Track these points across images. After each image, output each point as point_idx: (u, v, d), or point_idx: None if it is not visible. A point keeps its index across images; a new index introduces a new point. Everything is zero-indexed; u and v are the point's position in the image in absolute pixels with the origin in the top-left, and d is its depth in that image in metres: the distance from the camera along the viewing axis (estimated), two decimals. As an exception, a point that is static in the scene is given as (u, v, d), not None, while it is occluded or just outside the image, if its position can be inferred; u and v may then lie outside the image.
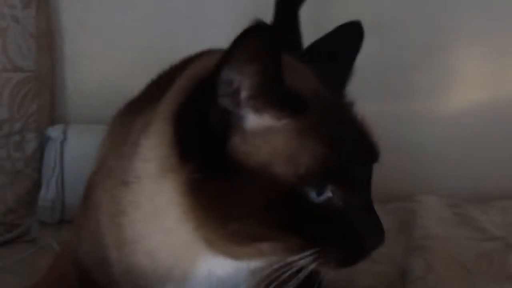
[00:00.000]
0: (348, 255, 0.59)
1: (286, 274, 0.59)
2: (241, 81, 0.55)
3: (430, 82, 1.45)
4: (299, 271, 0.60)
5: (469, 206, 1.16)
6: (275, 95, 0.56)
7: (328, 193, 0.56)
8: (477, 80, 1.47)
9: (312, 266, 0.58)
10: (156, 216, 0.62)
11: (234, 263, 0.63)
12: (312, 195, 0.56)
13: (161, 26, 1.35)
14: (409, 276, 0.84)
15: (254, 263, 0.63)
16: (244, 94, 0.56)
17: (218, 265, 0.64)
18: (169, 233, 0.61)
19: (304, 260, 0.57)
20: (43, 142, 1.19)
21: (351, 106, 0.64)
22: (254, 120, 0.57)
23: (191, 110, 0.58)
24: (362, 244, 0.58)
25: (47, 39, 1.26)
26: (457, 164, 1.45)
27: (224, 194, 0.56)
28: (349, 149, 0.58)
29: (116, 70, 1.35)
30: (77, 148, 1.14)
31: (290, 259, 0.57)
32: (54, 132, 1.18)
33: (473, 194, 1.38)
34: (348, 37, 0.67)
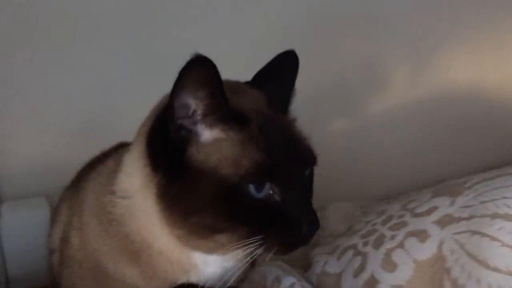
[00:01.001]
0: (288, 241, 0.71)
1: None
2: (197, 104, 0.68)
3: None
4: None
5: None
6: (222, 113, 0.69)
7: (268, 190, 0.69)
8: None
9: (258, 251, 0.69)
10: (151, 223, 0.73)
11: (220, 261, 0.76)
12: (253, 191, 0.68)
13: (87, 102, 1.37)
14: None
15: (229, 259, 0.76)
16: (199, 114, 0.69)
17: (207, 263, 0.76)
18: (163, 236, 0.73)
19: (251, 246, 0.69)
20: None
21: (290, 120, 0.77)
22: (207, 134, 0.70)
23: (158, 129, 0.71)
24: (299, 231, 0.69)
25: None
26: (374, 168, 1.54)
27: (184, 194, 0.69)
28: (282, 153, 0.70)
29: (43, 148, 1.36)
30: (13, 223, 1.18)
31: (240, 246, 0.68)
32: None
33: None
34: (286, 63, 0.79)
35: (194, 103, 0.68)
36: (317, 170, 0.78)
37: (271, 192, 0.69)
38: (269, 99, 0.75)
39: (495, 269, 0.69)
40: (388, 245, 0.83)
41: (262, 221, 0.69)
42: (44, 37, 1.29)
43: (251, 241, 0.68)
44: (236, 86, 0.76)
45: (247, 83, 0.80)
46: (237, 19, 1.42)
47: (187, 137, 0.69)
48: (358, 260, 0.86)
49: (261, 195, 0.68)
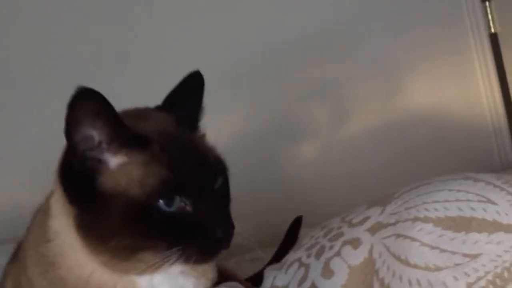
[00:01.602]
0: (205, 248, 0.73)
1: None
2: (99, 134, 0.71)
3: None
4: None
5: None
6: (123, 139, 0.72)
7: (179, 203, 0.72)
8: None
9: (178, 262, 0.72)
10: (80, 258, 0.75)
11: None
12: (164, 206, 0.71)
13: (55, 143, 1.43)
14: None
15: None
16: (104, 143, 0.72)
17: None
18: (96, 270, 0.75)
19: (171, 258, 0.71)
20: None
21: (198, 136, 0.81)
22: (113, 161, 0.73)
23: (66, 165, 0.74)
24: (213, 236, 0.72)
25: None
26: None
27: (98, 220, 0.71)
28: (187, 167, 0.73)
29: (10, 192, 1.41)
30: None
31: (162, 260, 0.70)
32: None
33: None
34: (192, 84, 0.83)
35: (96, 134, 0.71)
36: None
37: (183, 204, 0.72)
38: (177, 120, 0.79)
39: (415, 266, 0.76)
40: (327, 254, 0.90)
41: (177, 233, 0.72)
42: (8, 77, 1.37)
43: (169, 254, 0.71)
44: (141, 111, 0.81)
45: (156, 107, 0.84)
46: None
47: (95, 166, 0.72)
48: (301, 271, 0.93)
49: (173, 209, 0.71)
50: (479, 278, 0.71)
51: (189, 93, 0.84)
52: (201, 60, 1.54)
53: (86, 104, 0.69)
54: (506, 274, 0.70)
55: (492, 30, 1.90)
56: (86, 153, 0.72)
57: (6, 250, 1.22)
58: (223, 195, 0.79)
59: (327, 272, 0.87)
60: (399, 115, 1.74)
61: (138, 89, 1.35)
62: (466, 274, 0.72)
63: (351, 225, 0.92)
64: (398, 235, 0.82)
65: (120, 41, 1.52)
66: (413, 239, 0.79)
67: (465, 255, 0.74)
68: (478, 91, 1.82)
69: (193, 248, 0.72)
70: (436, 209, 0.82)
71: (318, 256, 0.92)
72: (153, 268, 0.73)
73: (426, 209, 0.83)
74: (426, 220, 0.81)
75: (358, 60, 1.71)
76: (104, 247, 0.71)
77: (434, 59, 1.80)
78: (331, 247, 0.91)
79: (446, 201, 0.82)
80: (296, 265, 0.95)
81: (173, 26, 1.57)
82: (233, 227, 0.75)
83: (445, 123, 1.76)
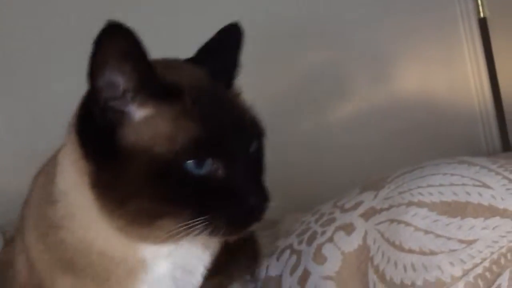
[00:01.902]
0: (236, 219, 0.64)
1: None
2: (126, 80, 0.62)
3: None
4: None
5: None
6: (152, 88, 0.63)
7: (211, 166, 0.63)
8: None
9: (204, 234, 0.63)
10: (89, 220, 0.67)
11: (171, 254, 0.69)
12: (193, 168, 0.62)
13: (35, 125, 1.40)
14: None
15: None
16: (129, 93, 0.62)
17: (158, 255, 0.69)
18: (105, 232, 0.67)
19: (196, 229, 0.62)
20: None
21: (233, 94, 0.72)
22: (138, 113, 0.63)
23: (85, 116, 0.65)
24: (246, 205, 0.63)
25: None
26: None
27: (117, 179, 0.63)
28: (221, 126, 0.64)
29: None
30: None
31: (185, 229, 0.62)
32: None
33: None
34: (229, 37, 0.74)
35: (122, 80, 0.62)
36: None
37: (215, 167, 0.63)
38: (210, 74, 0.71)
39: (410, 251, 0.75)
40: (319, 240, 0.88)
41: (205, 200, 0.63)
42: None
43: (194, 223, 0.62)
44: (172, 62, 0.72)
45: (187, 60, 0.75)
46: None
47: (117, 118, 0.64)
48: (293, 258, 0.91)
49: (202, 171, 0.63)
50: (475, 265, 0.70)
51: (225, 47, 0.74)
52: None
53: (115, 42, 0.60)
54: (502, 260, 0.69)
55: (481, 15, 1.88)
56: (109, 103, 0.63)
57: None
58: (258, 161, 0.70)
59: (319, 258, 0.85)
60: (387, 100, 1.72)
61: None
62: (462, 261, 0.71)
63: (344, 210, 0.90)
64: (392, 220, 0.80)
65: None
66: (408, 224, 0.78)
67: (460, 241, 0.73)
68: (467, 76, 1.81)
69: (222, 218, 0.64)
70: (430, 193, 0.80)
71: (310, 242, 0.90)
72: (173, 238, 0.64)
73: (421, 194, 0.81)
74: (420, 204, 0.79)
75: (347, 46, 1.69)
76: (122, 210, 0.63)
77: (423, 44, 1.79)
78: (323, 233, 0.89)
79: (441, 185, 0.80)
80: (287, 252, 0.93)
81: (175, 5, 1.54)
82: (268, 197, 0.66)
83: (433, 109, 1.75)
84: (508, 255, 0.68)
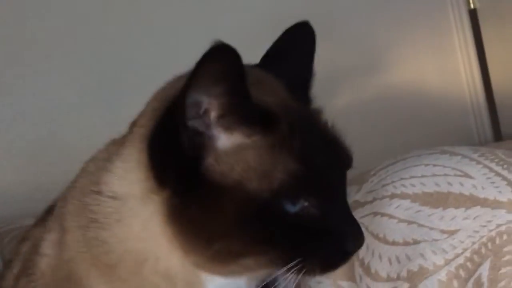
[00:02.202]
0: (331, 260, 0.60)
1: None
2: (210, 102, 0.55)
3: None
4: None
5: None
6: (244, 113, 0.55)
7: (304, 202, 0.56)
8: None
9: (298, 277, 0.58)
10: (152, 241, 0.59)
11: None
12: (288, 206, 0.55)
13: (32, 123, 1.39)
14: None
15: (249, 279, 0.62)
16: (213, 114, 0.55)
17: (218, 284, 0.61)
18: (167, 256, 0.59)
19: (289, 272, 0.57)
20: None
21: (320, 114, 0.65)
22: (226, 140, 0.56)
23: (163, 133, 0.57)
24: (343, 247, 0.59)
25: None
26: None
27: (204, 216, 0.56)
28: (321, 159, 0.58)
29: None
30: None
31: (276, 272, 0.57)
32: None
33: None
34: (301, 39, 0.66)
35: (206, 101, 0.55)
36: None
37: (306, 204, 0.57)
38: (289, 87, 0.63)
39: (393, 243, 0.75)
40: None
41: (299, 241, 0.57)
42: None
43: (288, 266, 0.57)
44: (254, 75, 0.61)
45: (260, 67, 0.65)
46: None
47: (202, 143, 0.56)
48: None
49: (296, 209, 0.56)
50: (457, 255, 0.70)
51: (298, 50, 0.66)
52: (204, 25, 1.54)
53: (213, 64, 0.53)
54: (483, 250, 0.69)
55: (472, 6, 1.88)
56: (192, 122, 0.56)
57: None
58: (345, 192, 0.64)
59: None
60: (378, 91, 1.73)
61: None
62: (444, 251, 0.71)
63: (329, 205, 0.90)
64: (376, 213, 0.80)
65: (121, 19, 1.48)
66: (391, 217, 0.78)
67: (442, 231, 0.73)
68: (457, 67, 1.82)
69: (316, 260, 0.58)
70: (413, 185, 0.80)
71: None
72: (252, 273, 0.60)
73: (403, 185, 0.81)
74: (403, 196, 0.79)
75: (338, 37, 1.69)
76: (205, 250, 0.57)
77: (413, 35, 1.80)
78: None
79: (423, 176, 0.80)
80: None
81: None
82: (363, 239, 0.61)
83: (424, 100, 1.76)
84: (489, 245, 0.69)
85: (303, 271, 0.58)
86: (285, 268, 0.57)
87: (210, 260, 0.58)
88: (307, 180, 0.56)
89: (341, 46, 1.71)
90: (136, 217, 0.60)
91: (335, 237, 0.58)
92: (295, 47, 0.66)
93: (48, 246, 0.69)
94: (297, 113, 0.60)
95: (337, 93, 1.71)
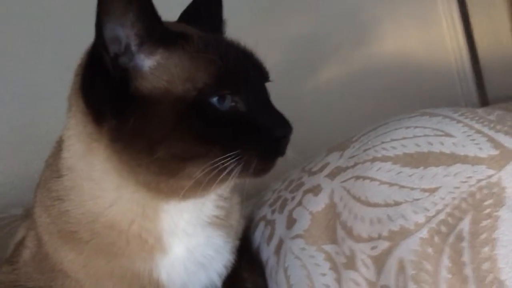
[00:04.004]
0: (265, 151, 0.65)
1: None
2: (127, 35, 0.61)
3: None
4: None
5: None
6: (160, 36, 0.63)
7: (230, 102, 0.64)
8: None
9: (237, 169, 0.62)
10: (100, 188, 0.66)
11: (193, 214, 0.68)
12: (216, 104, 0.63)
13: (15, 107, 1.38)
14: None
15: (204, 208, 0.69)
16: (134, 46, 0.62)
17: (179, 217, 0.68)
18: (120, 199, 0.66)
19: (228, 165, 0.61)
20: None
21: (232, 39, 0.72)
22: (149, 61, 0.63)
23: (91, 76, 0.64)
24: (272, 133, 0.65)
25: None
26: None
27: (141, 130, 0.61)
28: (237, 63, 0.66)
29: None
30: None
31: (216, 169, 0.61)
32: None
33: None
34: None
35: (124, 34, 0.62)
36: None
37: (234, 103, 0.65)
38: (202, 30, 0.71)
39: (375, 205, 0.74)
40: (289, 206, 0.88)
41: (233, 136, 0.63)
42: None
43: (226, 158, 0.61)
44: (169, 23, 0.71)
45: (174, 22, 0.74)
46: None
47: (128, 72, 0.63)
48: (268, 229, 0.91)
49: (224, 107, 0.63)
50: (438, 212, 0.70)
51: (206, 6, 0.75)
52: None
53: None
54: (463, 205, 0.68)
55: (454, -28, 1.87)
56: (118, 58, 0.62)
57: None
58: (269, 97, 0.71)
59: (290, 223, 0.85)
60: (365, 63, 1.72)
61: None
62: (426, 209, 0.70)
63: (311, 173, 0.90)
64: (358, 177, 0.80)
65: None
66: (372, 179, 0.77)
67: (423, 190, 0.72)
68: (442, 35, 1.80)
69: (252, 152, 0.64)
70: (394, 147, 0.80)
71: (281, 209, 0.90)
72: (202, 187, 0.63)
73: (384, 148, 0.81)
74: (384, 159, 0.79)
75: (325, 10, 1.68)
76: (150, 159, 0.61)
77: (398, 5, 1.78)
78: (292, 198, 0.89)
79: (404, 138, 0.80)
80: (262, 224, 0.93)
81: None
82: (290, 126, 0.67)
83: (410, 69, 1.75)
84: (469, 200, 0.68)
85: (241, 164, 0.62)
86: (224, 160, 0.61)
87: (157, 172, 0.62)
88: (228, 79, 0.64)
89: (327, 19, 1.70)
90: (86, 177, 0.67)
91: (264, 128, 0.65)
92: (204, 4, 0.75)
93: (30, 240, 0.76)
94: (211, 36, 0.68)
95: (325, 65, 1.70)
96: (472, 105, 1.76)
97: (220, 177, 0.62)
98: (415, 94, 1.70)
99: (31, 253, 0.76)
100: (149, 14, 0.61)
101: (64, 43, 1.40)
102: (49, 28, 1.40)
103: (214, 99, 0.62)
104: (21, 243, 0.80)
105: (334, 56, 1.74)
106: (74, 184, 0.68)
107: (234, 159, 0.62)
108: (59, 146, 0.73)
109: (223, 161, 0.61)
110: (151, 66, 0.63)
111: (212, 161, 0.61)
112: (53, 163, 0.73)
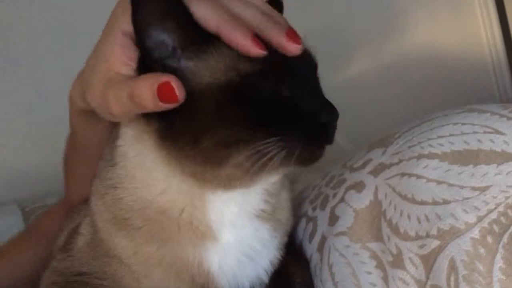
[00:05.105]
0: (310, 138, 0.64)
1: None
2: (172, 38, 0.62)
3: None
4: None
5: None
6: (199, 39, 0.62)
7: (274, 87, 0.63)
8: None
9: (280, 155, 0.61)
10: (151, 177, 0.68)
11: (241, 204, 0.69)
12: (258, 89, 0.62)
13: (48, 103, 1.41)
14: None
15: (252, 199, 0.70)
16: (179, 48, 0.62)
17: (228, 208, 0.69)
18: (169, 188, 0.68)
19: (271, 151, 0.61)
20: None
21: None
22: (191, 64, 0.63)
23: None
24: (317, 119, 0.64)
25: None
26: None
27: (187, 122, 0.62)
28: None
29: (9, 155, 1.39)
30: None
31: (259, 155, 0.60)
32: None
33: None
34: None
35: (169, 39, 0.62)
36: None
37: (278, 88, 0.64)
38: None
39: (422, 203, 0.73)
40: (331, 203, 0.87)
41: (274, 120, 0.62)
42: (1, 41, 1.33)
43: (269, 144, 0.61)
44: None
45: None
46: None
47: (175, 74, 0.62)
48: (310, 226, 0.90)
49: (267, 92, 0.63)
50: (490, 211, 0.68)
51: None
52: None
53: (156, 4, 0.60)
54: (517, 204, 0.67)
55: (490, -36, 1.82)
56: (167, 61, 0.63)
57: (12, 212, 1.25)
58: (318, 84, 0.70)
59: (333, 220, 0.84)
60: (398, 55, 1.70)
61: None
62: (476, 208, 0.69)
63: (353, 169, 0.89)
64: (403, 174, 0.79)
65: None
66: (419, 177, 0.76)
67: (474, 188, 0.71)
68: (477, 26, 1.76)
69: (295, 138, 0.63)
70: (441, 144, 0.78)
71: (323, 206, 0.89)
72: (247, 175, 0.63)
73: (431, 145, 0.79)
74: (431, 156, 0.77)
75: (356, 1, 1.65)
76: (196, 149, 0.62)
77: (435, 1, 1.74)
78: (334, 195, 0.88)
79: (451, 135, 0.78)
80: (303, 220, 0.92)
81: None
82: (337, 112, 0.66)
83: (444, 62, 1.72)
84: (523, 198, 0.67)
85: (284, 150, 0.61)
86: (266, 146, 0.61)
87: (203, 163, 0.63)
88: (272, 65, 0.62)
89: (358, 11, 1.68)
90: (137, 165, 0.69)
91: (307, 113, 0.63)
92: None
93: (85, 227, 0.79)
94: None
95: (355, 58, 1.69)
96: (507, 98, 1.73)
97: (263, 163, 0.61)
98: (449, 88, 1.67)
99: (85, 240, 0.78)
100: (187, 21, 0.62)
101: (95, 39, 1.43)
102: (84, 24, 1.41)
103: (258, 85, 0.62)
104: (74, 231, 0.83)
105: (365, 48, 1.71)
106: (127, 173, 0.70)
107: (277, 145, 0.61)
108: (115, 134, 0.75)
109: (265, 147, 0.61)
110: (194, 67, 0.63)
111: (254, 146, 0.61)
112: (108, 153, 0.75)
